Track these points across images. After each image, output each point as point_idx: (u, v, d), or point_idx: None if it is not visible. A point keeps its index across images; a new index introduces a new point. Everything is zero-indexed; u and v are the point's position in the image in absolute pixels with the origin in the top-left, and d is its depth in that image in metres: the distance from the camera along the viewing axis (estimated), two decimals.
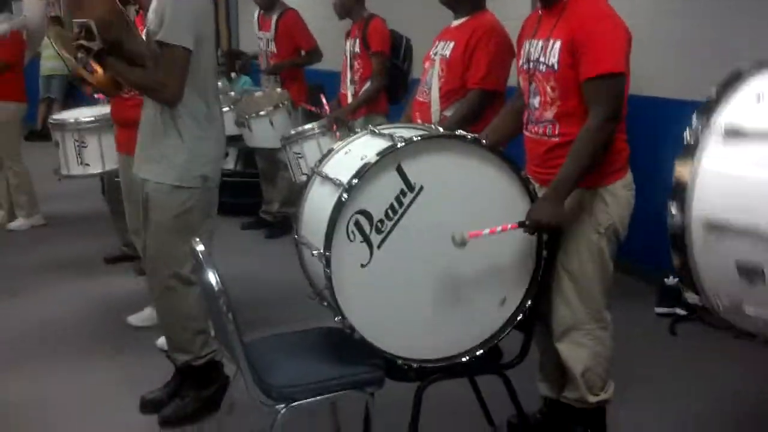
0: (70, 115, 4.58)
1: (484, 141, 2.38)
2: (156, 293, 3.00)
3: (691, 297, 1.78)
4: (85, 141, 4.37)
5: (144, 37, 2.87)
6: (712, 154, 1.73)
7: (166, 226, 2.83)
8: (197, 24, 2.71)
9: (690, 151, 1.75)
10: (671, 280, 3.92)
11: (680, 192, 1.73)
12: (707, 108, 1.77)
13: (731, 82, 1.78)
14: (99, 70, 2.86)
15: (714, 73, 3.77)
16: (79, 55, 2.70)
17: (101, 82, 2.96)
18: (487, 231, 2.26)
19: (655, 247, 3.47)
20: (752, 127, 1.68)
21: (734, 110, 1.74)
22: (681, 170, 1.75)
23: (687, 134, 1.77)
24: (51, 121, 4.60)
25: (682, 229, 1.73)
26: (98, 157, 4.37)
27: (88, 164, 4.42)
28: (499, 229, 2.29)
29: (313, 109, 4.95)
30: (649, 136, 4.10)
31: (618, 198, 2.51)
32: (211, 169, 2.88)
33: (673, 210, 1.75)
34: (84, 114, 4.52)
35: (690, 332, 3.75)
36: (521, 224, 2.34)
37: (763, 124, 1.67)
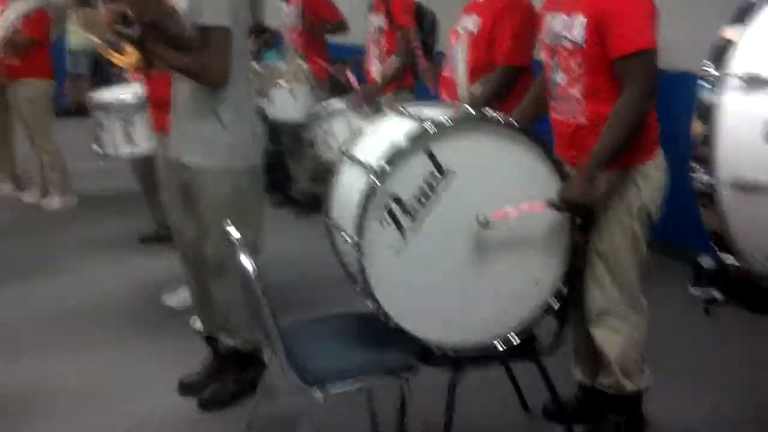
0: (112, 95, 4.54)
1: (515, 123, 2.36)
2: (210, 277, 2.95)
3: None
4: (133, 120, 4.38)
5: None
6: (733, 108, 1.65)
7: (220, 210, 2.76)
8: (233, 4, 2.67)
9: (742, 14, 1.65)
10: (705, 260, 3.86)
11: (722, 52, 1.63)
12: (720, 53, 1.68)
13: (741, 17, 1.69)
14: (129, 51, 2.84)
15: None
16: (113, 39, 2.66)
17: (131, 63, 2.94)
18: (513, 211, 2.24)
19: (688, 226, 3.43)
20: None
21: (751, 54, 1.65)
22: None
23: (702, 87, 1.68)
24: (93, 102, 4.56)
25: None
26: (146, 136, 4.34)
27: (137, 144, 4.43)
28: (525, 207, 2.26)
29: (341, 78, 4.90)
30: (680, 111, 4.02)
31: (650, 179, 2.47)
32: (254, 149, 2.86)
33: (699, 172, 1.67)
34: (126, 93, 4.49)
35: (725, 314, 3.70)
36: (550, 203, 2.31)
37: None
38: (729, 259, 1.77)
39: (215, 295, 2.98)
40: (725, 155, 1.63)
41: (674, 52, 3.97)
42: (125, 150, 4.48)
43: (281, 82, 5.03)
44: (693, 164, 1.68)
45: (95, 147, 4.56)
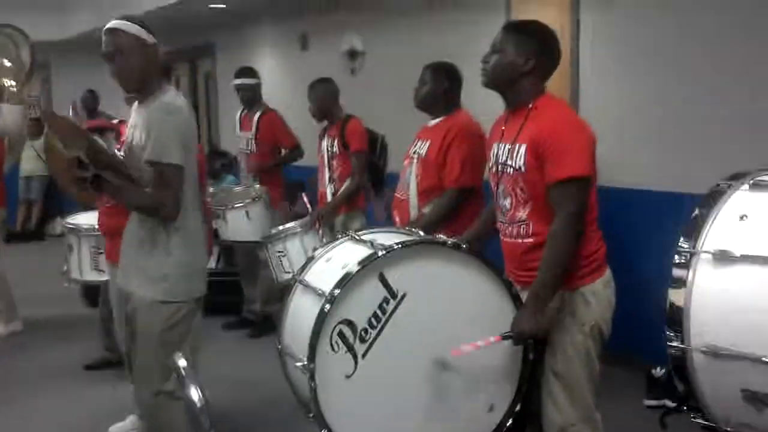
0: (86, 220, 4.55)
1: (464, 245, 2.41)
2: (143, 408, 2.93)
3: (699, 420, 1.78)
4: (101, 248, 4.33)
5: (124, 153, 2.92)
6: (704, 279, 1.75)
7: (153, 341, 2.78)
8: (183, 138, 2.74)
9: (680, 276, 1.76)
10: (658, 372, 3.90)
11: (677, 319, 1.75)
12: (693, 229, 1.80)
13: (711, 200, 1.82)
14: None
15: (691, 164, 3.85)
16: (78, 187, 2.76)
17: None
18: (469, 348, 2.26)
19: (641, 338, 3.47)
20: (741, 251, 1.71)
21: (720, 232, 1.77)
22: (674, 296, 1.76)
23: (676, 258, 1.79)
24: (67, 226, 4.58)
25: (683, 356, 1.73)
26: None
27: (102, 270, 4.37)
28: (480, 343, 2.29)
29: (291, 211, 4.99)
30: (627, 227, 4.17)
31: (599, 297, 2.52)
32: (195, 280, 2.87)
33: (672, 338, 1.75)
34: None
35: (681, 424, 3.70)
36: (505, 337, 2.35)
37: (750, 248, 1.70)
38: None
39: (147, 426, 2.94)
40: (715, 409, 1.77)
41: (621, 170, 4.15)
42: (90, 276, 4.46)
43: (237, 203, 5.07)
44: (690, 413, 1.80)
45: (65, 269, 4.54)
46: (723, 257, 1.72)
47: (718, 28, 3.87)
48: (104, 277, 4.35)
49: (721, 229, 1.77)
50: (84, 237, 4.42)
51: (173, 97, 2.79)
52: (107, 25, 2.78)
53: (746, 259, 1.69)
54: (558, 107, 2.59)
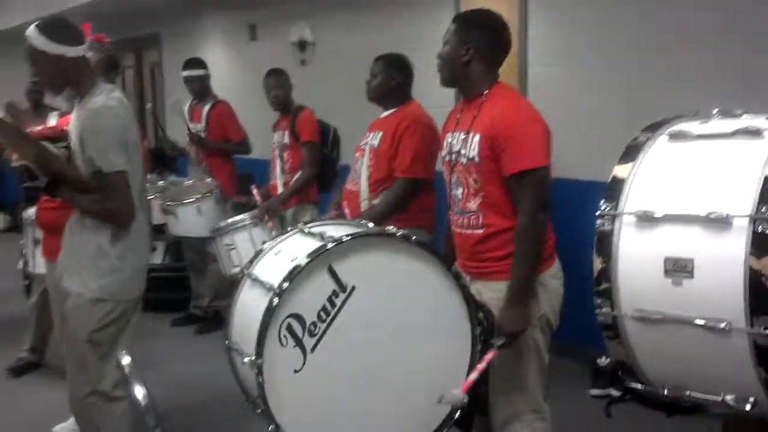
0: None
1: (413, 237, 2.40)
2: (75, 409, 2.86)
3: (605, 311, 1.74)
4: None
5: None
6: (653, 153, 1.73)
7: (84, 340, 2.72)
8: (122, 141, 2.68)
9: (631, 152, 1.74)
10: (604, 361, 3.95)
11: (614, 189, 1.72)
12: (653, 125, 1.78)
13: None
14: None
15: None
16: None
17: None
18: (475, 375, 2.31)
19: (586, 327, 3.52)
20: (697, 131, 1.72)
21: (680, 125, 1.76)
22: (618, 171, 1.74)
23: (630, 141, 1.77)
24: (26, 219, 4.42)
25: (610, 224, 1.70)
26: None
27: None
28: (481, 367, 2.33)
29: (243, 200, 4.91)
30: (572, 218, 4.22)
31: (547, 288, 2.54)
32: (132, 280, 2.81)
33: (603, 208, 1.71)
34: None
35: (625, 413, 3.76)
36: (500, 347, 2.38)
37: (708, 130, 1.71)
38: (637, 386, 1.82)
39: (80, 428, 2.88)
40: (626, 292, 1.70)
41: (569, 161, 4.19)
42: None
43: (187, 199, 4.98)
44: (596, 299, 1.74)
45: (20, 265, 4.41)
46: (646, 218, 1.70)
47: (666, 12, 3.92)
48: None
49: (681, 124, 1.76)
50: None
51: (103, 98, 2.71)
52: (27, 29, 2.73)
53: (668, 218, 1.68)
54: (511, 97, 2.60)
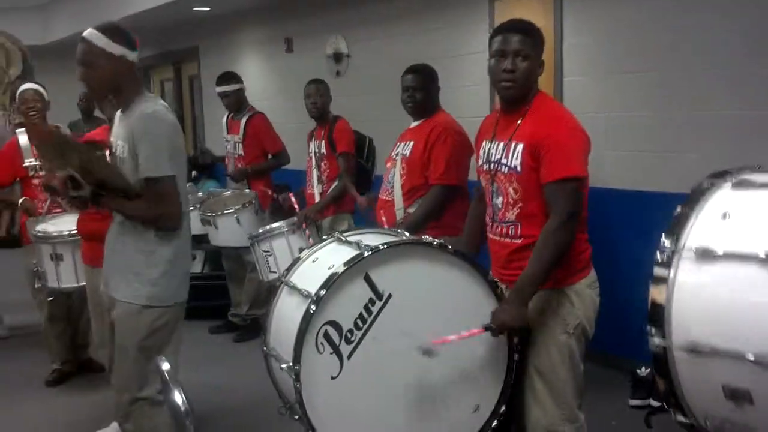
0: (58, 228, 4.19)
1: (450, 246, 2.41)
2: (123, 414, 2.90)
3: (679, 418, 1.78)
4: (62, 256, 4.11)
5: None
6: (686, 277, 1.75)
7: (134, 347, 2.76)
8: (170, 147, 2.72)
9: (663, 273, 1.76)
10: (644, 371, 3.92)
11: (658, 316, 1.75)
12: (675, 228, 1.80)
13: (694, 199, 1.83)
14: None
15: (677, 164, 3.87)
16: (76, 205, 2.72)
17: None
18: (452, 337, 2.25)
19: (626, 337, 3.48)
20: (723, 249, 1.71)
21: (702, 230, 1.77)
22: (656, 293, 1.76)
23: (658, 256, 1.79)
24: (51, 234, 4.20)
25: (664, 354, 1.73)
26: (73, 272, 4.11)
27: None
28: (465, 334, 2.28)
29: (281, 200, 4.97)
30: (612, 227, 4.19)
31: (583, 297, 2.53)
32: (180, 285, 2.84)
33: (654, 334, 1.75)
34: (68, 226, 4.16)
35: (665, 423, 3.72)
36: (487, 327, 2.34)
37: (732, 245, 1.70)
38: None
39: (138, 428, 2.90)
40: (694, 406, 1.75)
41: (603, 170, 4.17)
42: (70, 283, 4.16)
43: (227, 210, 5.05)
44: (670, 409, 1.80)
45: (37, 284, 4.32)
46: (705, 255, 1.73)
47: (703, 24, 3.89)
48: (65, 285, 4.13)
49: (703, 227, 1.78)
50: (59, 245, 4.09)
51: (152, 104, 2.76)
52: (82, 33, 2.76)
53: (728, 256, 1.69)
54: (555, 107, 2.61)
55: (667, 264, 1.77)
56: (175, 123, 2.82)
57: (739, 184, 1.82)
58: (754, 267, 1.65)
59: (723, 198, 1.82)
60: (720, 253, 1.70)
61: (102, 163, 2.78)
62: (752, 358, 1.59)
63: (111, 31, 2.75)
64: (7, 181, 4.45)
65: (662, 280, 1.77)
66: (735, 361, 1.62)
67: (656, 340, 1.75)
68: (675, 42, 4.03)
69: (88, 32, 2.74)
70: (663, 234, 1.80)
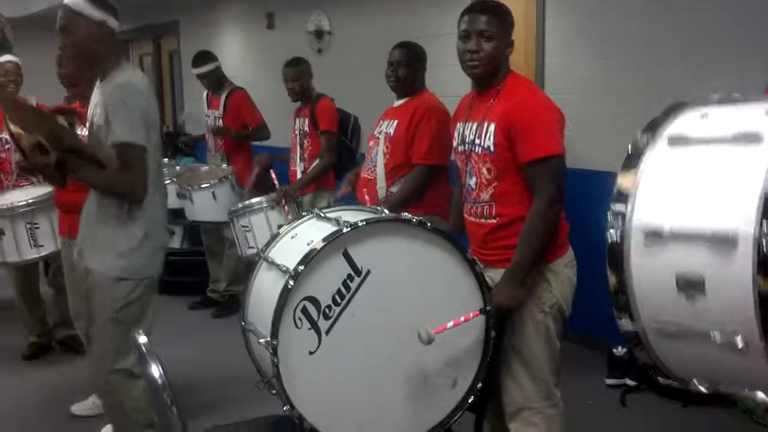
0: (13, 199, 4.32)
1: (428, 223, 2.41)
2: (101, 387, 2.91)
3: (625, 323, 1.72)
4: (38, 222, 4.23)
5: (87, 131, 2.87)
6: (655, 162, 1.71)
7: (109, 318, 2.77)
8: (143, 117, 2.70)
9: (632, 160, 1.73)
10: (620, 351, 3.97)
11: (620, 202, 1.71)
12: (651, 124, 1.77)
13: (676, 106, 1.80)
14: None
15: None
16: (44, 172, 2.69)
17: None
18: (451, 324, 2.27)
19: (602, 317, 3.51)
20: (697, 135, 1.66)
21: (679, 124, 1.73)
22: (622, 180, 1.72)
23: (630, 145, 1.76)
24: None
25: (620, 240, 1.68)
26: (51, 235, 4.20)
27: (41, 245, 4.24)
28: (462, 319, 2.31)
29: (255, 186, 4.96)
30: (587, 208, 4.21)
31: (560, 276, 2.55)
32: (153, 259, 2.84)
33: (611, 220, 1.70)
34: (27, 195, 4.30)
35: (640, 402, 3.78)
36: (483, 311, 2.37)
37: (708, 133, 1.65)
38: (668, 382, 1.80)
39: (105, 405, 2.94)
40: (643, 305, 1.69)
41: (585, 151, 4.19)
42: (30, 254, 4.26)
43: (203, 184, 5.03)
44: (616, 312, 1.73)
45: None
46: (677, 141, 1.66)
47: (688, 4, 3.90)
48: (44, 252, 4.25)
49: (682, 123, 1.74)
50: (16, 216, 4.21)
51: (130, 75, 2.74)
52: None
53: (700, 141, 1.64)
54: (526, 87, 2.60)
55: (638, 154, 1.73)
56: (151, 95, 2.80)
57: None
58: (726, 146, 1.60)
59: (705, 107, 1.77)
60: (693, 137, 1.67)
61: (68, 132, 2.77)
62: (710, 235, 1.53)
63: None
64: None
65: (632, 166, 1.72)
66: (692, 243, 1.57)
67: (616, 224, 1.69)
68: (657, 20, 4.04)
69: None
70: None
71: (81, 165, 2.72)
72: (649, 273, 1.67)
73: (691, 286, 1.58)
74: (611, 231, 1.71)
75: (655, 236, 1.64)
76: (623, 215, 1.70)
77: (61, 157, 2.67)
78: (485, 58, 2.48)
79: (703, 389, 1.70)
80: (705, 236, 1.56)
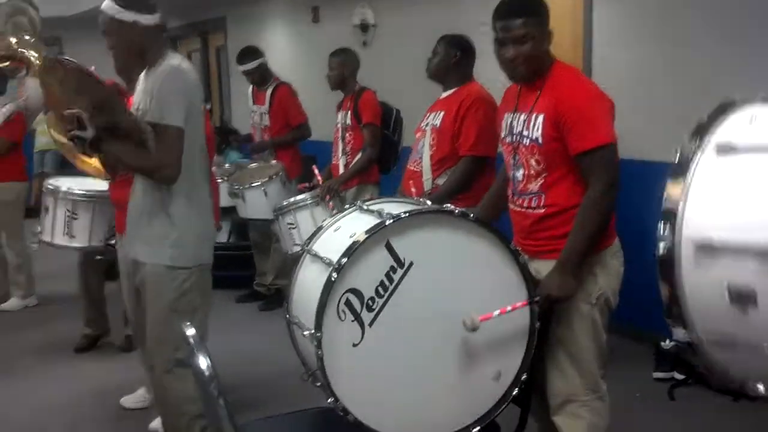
0: (65, 183, 4.48)
1: (471, 214, 2.40)
2: (155, 376, 2.94)
3: (679, 333, 1.71)
4: (77, 213, 4.33)
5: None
6: (703, 171, 1.69)
7: (164, 309, 2.79)
8: (187, 101, 2.73)
9: (681, 169, 1.71)
10: (668, 344, 3.90)
11: (670, 213, 1.69)
12: (698, 129, 1.74)
13: (723, 107, 1.77)
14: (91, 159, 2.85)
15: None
16: (75, 144, 2.71)
17: (96, 166, 2.95)
18: (497, 312, 2.26)
19: (650, 309, 3.46)
20: (745, 143, 1.63)
21: (726, 130, 1.70)
22: (671, 190, 1.70)
23: (678, 154, 1.74)
24: (46, 186, 4.52)
25: (671, 252, 1.67)
26: (86, 231, 4.33)
27: (74, 236, 4.35)
28: (508, 308, 2.29)
29: (306, 185, 4.99)
30: (637, 199, 4.14)
31: (607, 267, 2.51)
32: (203, 247, 2.87)
33: (662, 232, 1.69)
34: (81, 185, 4.44)
35: (689, 396, 3.71)
36: (531, 301, 2.35)
37: (756, 140, 1.62)
38: (724, 386, 1.80)
39: (156, 395, 2.95)
40: (696, 317, 1.67)
41: (634, 141, 4.11)
42: (60, 240, 4.38)
43: (254, 182, 5.07)
44: (669, 321, 1.74)
45: (36, 229, 4.49)
46: (725, 149, 1.65)
47: None
48: (75, 243, 4.36)
49: (730, 128, 1.71)
50: (60, 200, 4.34)
51: (177, 62, 2.78)
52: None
53: (749, 149, 1.61)
54: (573, 75, 2.57)
55: (685, 162, 1.71)
56: (196, 81, 2.83)
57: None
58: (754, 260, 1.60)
59: (753, 108, 1.74)
60: (741, 146, 1.64)
61: (116, 105, 2.76)
62: (759, 249, 1.51)
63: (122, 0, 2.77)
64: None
65: (680, 175, 1.70)
66: (742, 256, 1.54)
67: (666, 237, 1.68)
68: (705, 10, 3.94)
69: (104, 3, 2.78)
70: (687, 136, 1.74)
71: (117, 143, 2.72)
72: (701, 286, 1.65)
73: (742, 299, 1.57)
74: (661, 243, 1.71)
75: (705, 249, 1.63)
76: (673, 227, 1.70)
77: (97, 134, 2.66)
78: (525, 62, 2.46)
79: (762, 390, 1.68)
80: (755, 249, 1.54)
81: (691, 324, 1.67)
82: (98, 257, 4.38)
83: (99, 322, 4.75)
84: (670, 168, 1.73)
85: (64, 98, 2.76)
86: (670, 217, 1.68)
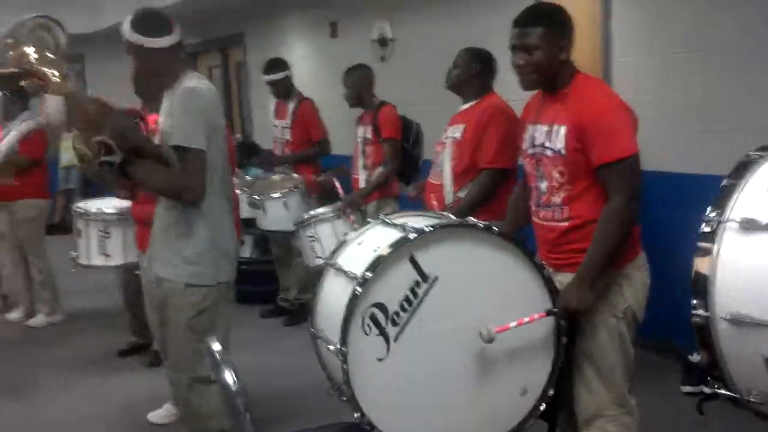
0: (94, 205, 4.58)
1: (495, 228, 2.39)
2: (178, 393, 2.97)
3: (722, 389, 1.77)
4: (109, 232, 4.40)
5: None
6: (730, 247, 1.72)
7: (183, 326, 2.82)
8: (205, 122, 2.75)
9: (707, 239, 1.74)
10: (695, 357, 3.84)
11: (702, 287, 1.72)
12: (720, 199, 1.77)
13: (740, 171, 1.79)
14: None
15: (727, 146, 3.78)
16: (104, 169, 2.75)
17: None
18: (514, 324, 2.25)
19: (678, 322, 3.43)
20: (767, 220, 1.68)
21: (747, 201, 1.74)
22: (700, 264, 1.74)
23: (703, 227, 1.77)
24: (75, 209, 4.60)
25: (707, 325, 1.71)
26: (120, 249, 4.40)
27: (109, 255, 4.44)
28: (526, 320, 2.28)
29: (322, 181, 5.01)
30: (659, 210, 4.11)
31: (632, 280, 2.49)
32: (224, 264, 2.88)
33: (696, 305, 1.74)
34: (109, 205, 4.51)
35: (718, 411, 3.65)
36: (549, 312, 2.32)
37: None
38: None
39: (181, 411, 2.97)
40: (736, 379, 1.79)
41: (658, 153, 4.08)
42: (97, 261, 4.47)
43: (275, 194, 5.09)
44: (712, 380, 1.82)
45: (72, 254, 4.57)
46: (749, 226, 1.69)
47: (755, 4, 3.77)
48: (111, 262, 4.44)
49: (750, 198, 1.74)
50: (92, 221, 4.43)
51: (195, 82, 2.80)
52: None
53: None
54: (596, 86, 2.56)
55: (711, 235, 1.75)
56: (215, 100, 2.86)
57: None
58: None
59: None
60: (765, 223, 1.67)
61: (135, 131, 2.81)
62: None
63: (137, 23, 2.81)
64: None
65: (707, 252, 1.75)
66: None
67: (699, 311, 1.73)
68: (725, 19, 3.91)
69: (123, 27, 2.82)
70: (708, 207, 1.79)
71: (144, 167, 2.76)
72: (738, 354, 1.75)
73: None
74: (697, 314, 1.78)
75: (737, 323, 1.71)
76: (706, 301, 1.76)
77: (126, 158, 2.70)
78: (533, 70, 2.47)
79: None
80: None
81: (733, 384, 1.79)
82: (137, 272, 4.43)
83: (144, 332, 4.78)
84: (697, 237, 1.79)
85: (91, 125, 2.80)
86: (701, 290, 1.75)
